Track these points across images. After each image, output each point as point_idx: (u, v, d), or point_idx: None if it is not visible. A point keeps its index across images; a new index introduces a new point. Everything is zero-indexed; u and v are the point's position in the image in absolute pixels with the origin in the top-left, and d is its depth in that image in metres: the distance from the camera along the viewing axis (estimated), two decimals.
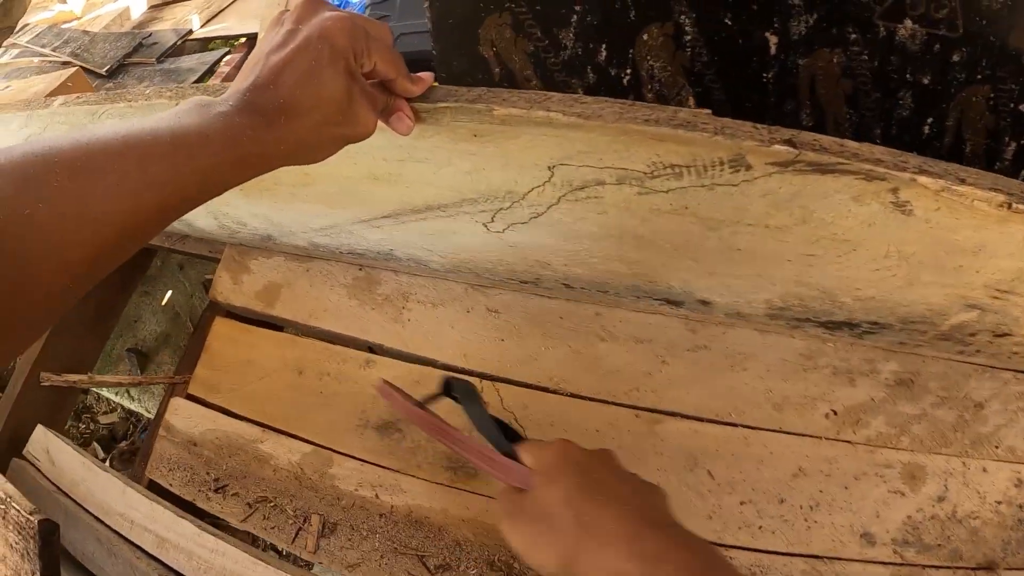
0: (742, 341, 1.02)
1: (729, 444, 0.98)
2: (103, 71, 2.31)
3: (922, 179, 0.61)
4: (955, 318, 0.81)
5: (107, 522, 1.14)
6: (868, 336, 0.92)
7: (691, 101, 0.98)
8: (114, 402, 2.76)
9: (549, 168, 0.74)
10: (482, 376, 1.10)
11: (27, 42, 2.59)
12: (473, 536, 1.00)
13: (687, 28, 0.91)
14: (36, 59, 2.53)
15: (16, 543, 0.98)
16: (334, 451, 1.12)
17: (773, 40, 0.90)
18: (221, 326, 1.33)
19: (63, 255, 0.45)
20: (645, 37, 0.93)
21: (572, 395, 1.06)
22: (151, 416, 2.52)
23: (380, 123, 0.69)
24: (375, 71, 0.65)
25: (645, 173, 0.70)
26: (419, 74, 0.70)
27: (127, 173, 0.47)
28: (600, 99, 0.66)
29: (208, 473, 1.17)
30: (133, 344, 2.50)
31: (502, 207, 0.85)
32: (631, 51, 0.95)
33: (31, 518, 0.95)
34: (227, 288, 1.35)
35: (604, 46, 0.96)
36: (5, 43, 2.60)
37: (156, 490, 1.18)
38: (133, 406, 2.58)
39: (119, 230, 0.48)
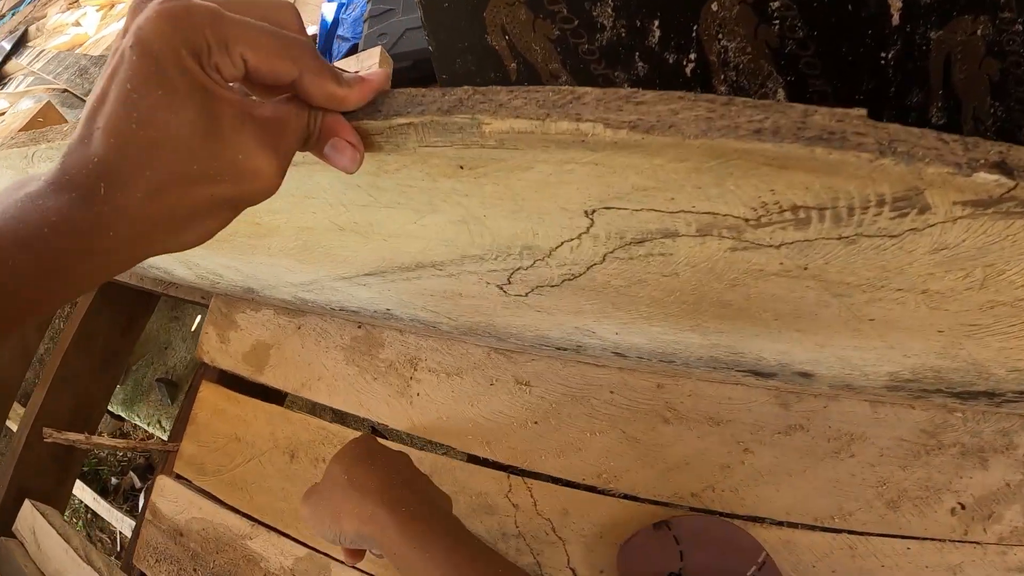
0: (849, 417, 0.76)
1: (831, 556, 0.74)
2: (85, 97, 2.13)
3: None
4: None
5: None
6: (1008, 404, 0.68)
7: (781, 94, 0.68)
8: (149, 431, 2.64)
9: (586, 214, 0.43)
10: (509, 469, 0.84)
11: (38, 69, 2.44)
12: None
13: None
14: (43, 87, 2.38)
15: None
16: (332, 558, 0.89)
17: (896, 5, 0.60)
18: (208, 393, 1.11)
19: None
20: (715, 7, 0.63)
21: (626, 496, 0.80)
22: None
23: (311, 157, 0.41)
24: (253, 72, 0.35)
25: (747, 220, 0.40)
26: (358, 73, 0.39)
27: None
28: (669, 95, 0.34)
29: (195, 571, 0.98)
30: (163, 373, 2.45)
31: (520, 267, 0.55)
32: (695, 27, 0.66)
33: None
34: (214, 347, 1.13)
35: (657, 23, 0.66)
36: (25, 70, 2.45)
37: None
38: (165, 436, 2.49)
39: None
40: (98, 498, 2.61)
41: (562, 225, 0.46)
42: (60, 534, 1.11)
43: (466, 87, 0.38)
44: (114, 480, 2.83)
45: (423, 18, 0.78)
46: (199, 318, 2.30)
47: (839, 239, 0.40)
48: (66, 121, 1.71)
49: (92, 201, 0.32)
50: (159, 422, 2.37)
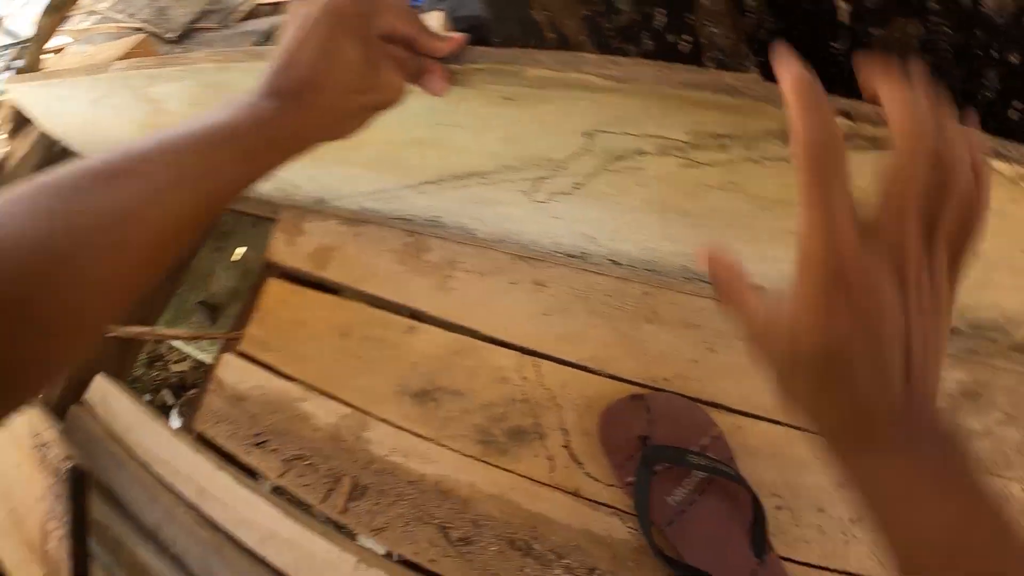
0: None
1: (772, 444, 0.93)
2: (173, 36, 2.33)
3: (997, 164, 0.55)
4: None
5: (154, 469, 1.16)
6: None
7: (755, 72, 0.91)
8: (185, 351, 2.83)
9: (586, 135, 0.70)
10: (523, 350, 1.07)
11: (106, 8, 2.61)
12: (498, 513, 0.98)
13: None
14: (113, 25, 2.56)
15: (52, 485, 1.00)
16: (371, 415, 1.11)
17: (844, 6, 0.82)
18: (274, 287, 1.33)
19: (110, 258, 0.45)
20: (705, 2, 0.87)
21: (612, 376, 1.02)
22: None
23: (415, 87, 0.67)
24: (394, 33, 0.62)
25: (687, 143, 0.66)
26: (449, 33, 0.68)
27: (156, 173, 0.48)
28: (638, 61, 0.62)
29: (251, 428, 1.18)
30: (205, 297, 2.55)
31: (543, 176, 0.81)
32: (690, 16, 0.89)
33: (62, 464, 0.98)
34: (282, 249, 1.35)
35: (661, 11, 0.90)
36: (87, 9, 2.64)
37: (202, 442, 1.19)
38: (203, 356, 2.64)
39: (159, 227, 0.48)
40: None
41: (571, 143, 0.73)
42: (129, 398, 1.28)
43: (515, 49, 0.66)
44: (148, 397, 2.98)
45: None
46: (242, 249, 2.50)
47: (751, 161, 0.65)
48: (159, 55, 1.91)
49: (300, 103, 0.56)
50: (198, 342, 2.55)
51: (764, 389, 0.85)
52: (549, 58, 0.64)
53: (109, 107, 1.17)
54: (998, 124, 0.83)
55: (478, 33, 1.51)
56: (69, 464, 0.96)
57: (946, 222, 0.43)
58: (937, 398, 0.44)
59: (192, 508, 1.10)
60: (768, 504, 0.87)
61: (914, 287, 0.42)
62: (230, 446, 1.17)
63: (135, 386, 3.14)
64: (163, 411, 2.94)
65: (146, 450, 1.19)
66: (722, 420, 0.95)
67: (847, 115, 0.57)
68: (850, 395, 0.44)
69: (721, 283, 0.53)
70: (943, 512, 0.41)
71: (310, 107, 0.57)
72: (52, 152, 2.12)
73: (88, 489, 0.99)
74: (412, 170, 0.96)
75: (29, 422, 1.06)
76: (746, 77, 0.60)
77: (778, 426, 0.94)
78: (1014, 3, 0.74)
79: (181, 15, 2.41)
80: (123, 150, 0.48)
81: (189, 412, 1.26)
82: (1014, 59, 0.79)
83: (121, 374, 1.50)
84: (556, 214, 0.90)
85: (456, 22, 1.39)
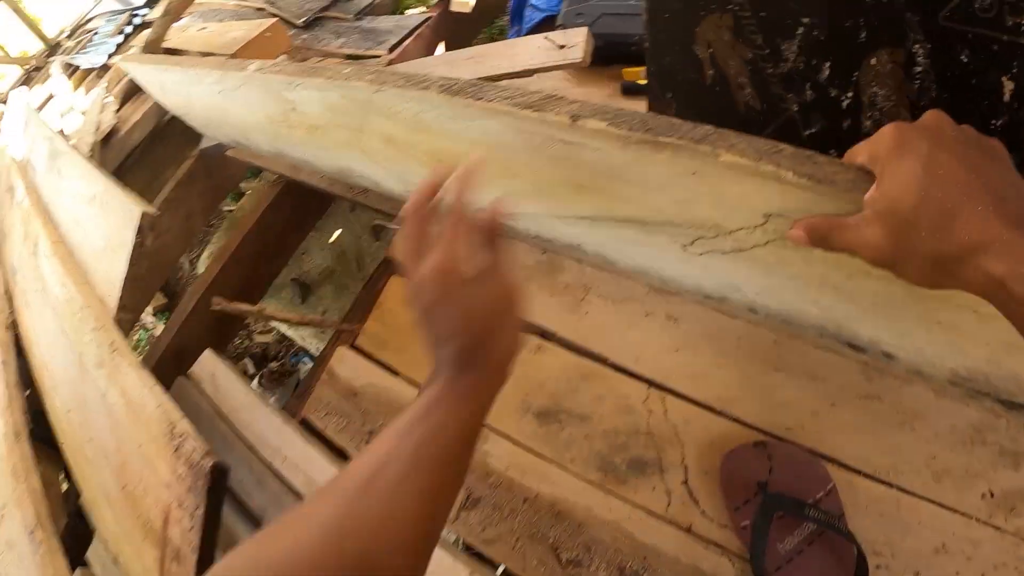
0: (917, 399, 1.00)
1: (880, 503, 0.97)
2: (299, 22, 2.37)
3: None
4: None
5: (261, 453, 1.21)
6: None
7: None
8: (271, 324, 2.92)
9: (765, 216, 0.74)
10: (650, 383, 1.12)
11: None
12: (610, 539, 1.02)
13: (919, 59, 0.86)
14: (231, 1, 2.60)
15: (184, 476, 1.05)
16: (492, 429, 1.16)
17: (1009, 86, 0.83)
18: (397, 285, 1.38)
19: (392, 548, 0.53)
20: (873, 61, 0.88)
21: (735, 419, 1.06)
22: (304, 345, 2.72)
23: None
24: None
25: None
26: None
27: (406, 477, 0.56)
28: (835, 162, 0.65)
29: (363, 425, 1.22)
30: (298, 275, 2.65)
31: (704, 236, 0.85)
32: (856, 74, 0.90)
33: (204, 461, 1.02)
34: None
35: (828, 64, 0.92)
36: None
37: (308, 430, 1.24)
38: (289, 332, 2.75)
39: (422, 514, 0.56)
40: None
41: (745, 219, 0.76)
42: (239, 380, 1.35)
43: (709, 127, 0.70)
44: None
45: (647, 21, 1.05)
46: (338, 231, 2.52)
47: None
48: (288, 40, 1.96)
49: (475, 364, 0.63)
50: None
51: (876, 449, 0.95)
52: (745, 144, 0.68)
53: (239, 98, 1.22)
54: None
55: (617, 51, 1.56)
56: (210, 461, 1.01)
57: None
58: None
59: (300, 497, 1.16)
60: (869, 562, 0.91)
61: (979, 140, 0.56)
62: (340, 439, 1.23)
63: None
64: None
65: (255, 432, 1.25)
66: (836, 475, 0.98)
67: None
68: (973, 215, 0.51)
69: (823, 235, 0.64)
70: None
71: (493, 370, 0.65)
72: (162, 122, 2.19)
73: (225, 487, 1.04)
74: (566, 205, 1.00)
75: (163, 410, 1.11)
76: None
77: (888, 487, 0.97)
78: None
79: (311, 0, 2.43)
80: (373, 463, 0.56)
81: (270, 385, 1.29)
82: None
83: (224, 348, 1.62)
84: (706, 266, 0.93)
85: (597, 38, 1.43)
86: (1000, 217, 0.50)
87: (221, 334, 1.83)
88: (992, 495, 0.93)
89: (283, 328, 2.73)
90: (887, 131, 0.58)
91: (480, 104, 0.83)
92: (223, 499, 1.06)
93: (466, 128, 0.90)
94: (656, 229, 0.90)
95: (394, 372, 1.28)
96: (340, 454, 1.21)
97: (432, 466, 0.57)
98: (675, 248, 0.92)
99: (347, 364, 1.32)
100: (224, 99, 1.27)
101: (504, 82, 1.41)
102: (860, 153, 0.61)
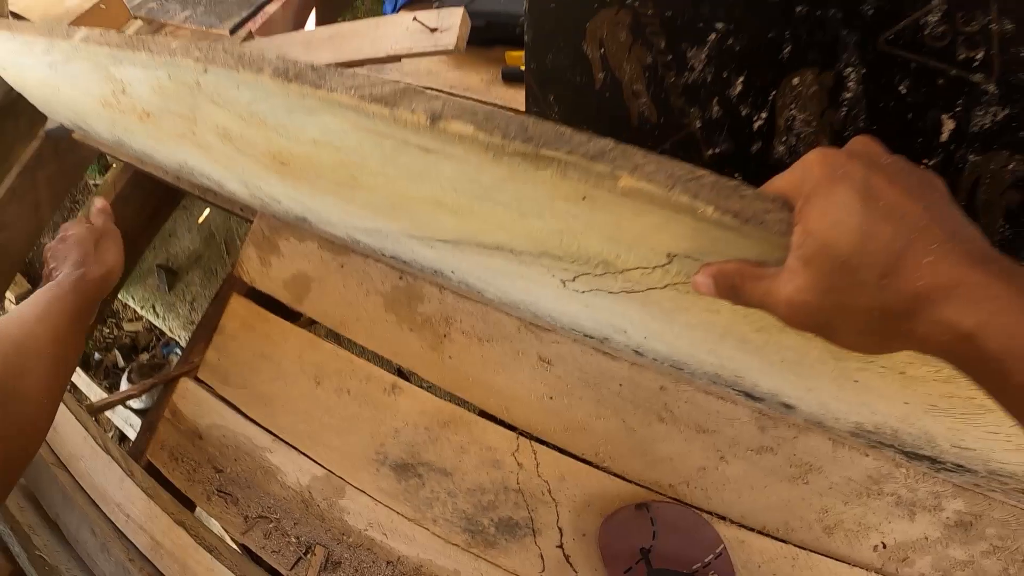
0: (812, 450, 0.90)
1: (775, 562, 0.88)
2: None
3: None
4: None
5: (103, 509, 1.06)
6: (946, 472, 0.83)
7: None
8: (141, 312, 2.72)
9: (668, 256, 0.56)
10: (522, 433, 0.97)
11: None
12: None
13: (850, 84, 0.73)
14: None
15: None
16: (346, 482, 1.02)
17: (949, 125, 0.72)
18: (238, 305, 1.20)
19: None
20: (795, 81, 0.74)
21: (615, 475, 0.94)
22: (174, 336, 2.59)
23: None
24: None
25: None
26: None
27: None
28: (766, 197, 0.47)
29: (211, 472, 1.08)
30: (165, 260, 2.50)
31: (590, 272, 0.68)
32: (773, 93, 0.77)
33: None
34: (254, 268, 1.21)
35: (741, 79, 0.78)
36: None
37: (154, 474, 1.09)
38: (157, 321, 2.59)
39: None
40: (80, 372, 2.66)
41: (645, 258, 0.59)
42: (80, 421, 1.16)
43: (608, 140, 0.51)
44: (97, 355, 2.89)
45: (527, 9, 0.89)
46: (207, 211, 2.35)
47: None
48: (126, 12, 1.73)
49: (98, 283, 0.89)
50: (153, 307, 2.45)
51: (768, 504, 0.90)
52: (654, 167, 0.49)
53: (68, 75, 1.03)
54: None
55: (497, 32, 1.36)
56: None
57: None
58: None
59: (148, 562, 1.00)
60: None
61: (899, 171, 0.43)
62: (189, 490, 1.08)
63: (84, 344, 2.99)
64: (113, 372, 2.81)
65: (95, 486, 1.08)
66: (726, 533, 0.89)
67: None
68: (915, 262, 0.40)
69: (733, 286, 0.51)
70: None
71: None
72: (9, 98, 1.93)
73: None
74: (426, 226, 0.82)
75: None
76: None
77: (782, 544, 0.89)
78: None
79: None
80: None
81: (140, 378, 1.18)
82: None
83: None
84: (589, 304, 0.78)
85: (474, 17, 1.22)
86: (962, 255, 0.39)
87: None
88: (884, 546, 0.87)
89: (150, 316, 2.54)
90: (813, 157, 0.46)
91: (320, 94, 0.62)
92: None
93: (303, 125, 0.71)
94: (531, 260, 0.73)
95: (239, 412, 1.11)
96: (190, 505, 1.08)
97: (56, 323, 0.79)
98: (552, 283, 0.76)
99: (190, 399, 1.15)
100: (56, 74, 1.07)
101: (365, 68, 1.24)
102: (779, 184, 0.47)
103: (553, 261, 0.69)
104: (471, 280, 0.94)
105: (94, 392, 2.56)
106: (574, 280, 0.71)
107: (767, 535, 0.89)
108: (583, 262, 0.66)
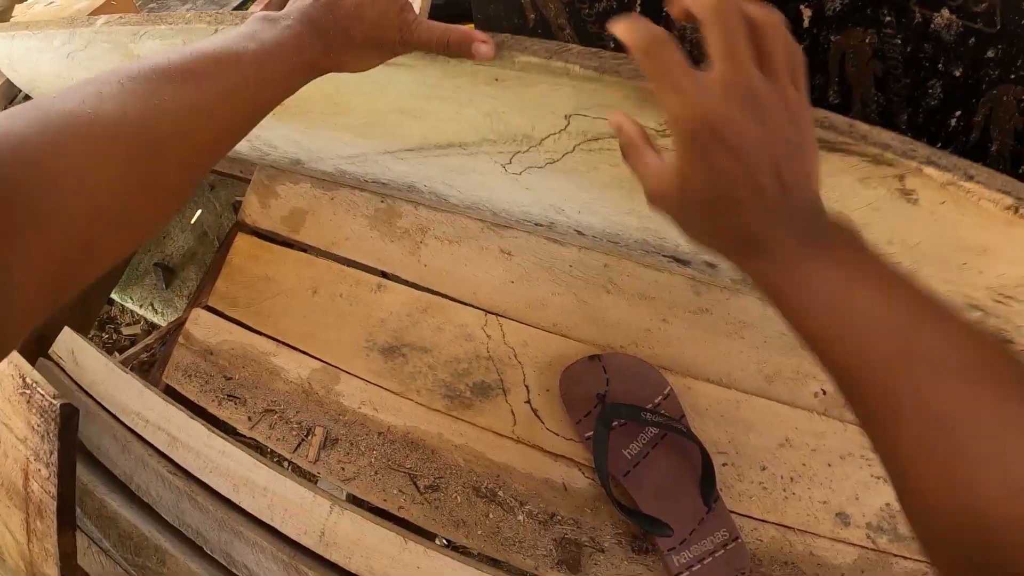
0: (744, 310, 1.03)
1: (720, 404, 1.00)
2: None
3: (929, 170, 0.62)
4: None
5: (123, 420, 1.17)
6: None
7: None
8: (138, 314, 2.78)
9: (565, 117, 0.76)
10: (488, 312, 1.13)
11: None
12: (463, 462, 1.04)
13: None
14: None
15: (38, 425, 1.02)
16: (341, 369, 1.15)
17: (807, 13, 0.88)
18: (243, 242, 1.34)
19: (184, 142, 0.52)
20: None
21: (573, 339, 1.08)
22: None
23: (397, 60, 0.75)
24: None
25: (656, 131, 0.71)
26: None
27: (227, 75, 0.56)
28: (620, 55, 0.68)
29: (221, 381, 1.20)
30: (160, 259, 2.55)
31: (519, 150, 0.86)
32: (664, 11, 0.94)
33: (53, 402, 0.99)
34: (255, 211, 1.36)
35: (639, 2, 0.95)
36: None
37: (171, 395, 1.21)
38: (156, 319, 2.62)
39: (224, 123, 0.56)
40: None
41: (550, 123, 0.78)
42: (97, 350, 1.29)
43: (507, 34, 0.72)
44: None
45: None
46: (199, 212, 2.43)
47: None
48: (135, 8, 1.88)
49: (338, 40, 0.66)
50: (152, 304, 2.53)
51: (709, 358, 0.97)
52: (537, 46, 0.70)
53: (85, 61, 1.17)
54: (939, 130, 0.91)
55: (457, 8, 1.55)
56: (58, 403, 0.97)
57: (770, 52, 0.50)
58: (820, 197, 0.51)
59: (164, 457, 1.13)
60: (715, 461, 0.94)
61: (768, 110, 0.48)
62: (201, 399, 1.20)
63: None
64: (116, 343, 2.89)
65: (116, 402, 1.20)
66: (673, 380, 1.01)
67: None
68: (739, 218, 0.50)
69: (626, 144, 0.59)
70: (879, 299, 0.45)
71: (345, 46, 0.66)
72: (13, 103, 2.07)
73: (76, 427, 1.01)
74: (395, 137, 1.00)
75: (14, 364, 1.07)
76: None
77: (725, 389, 1.01)
78: (961, 24, 0.81)
79: None
80: (194, 50, 0.55)
81: (139, 373, 1.25)
82: (957, 73, 0.85)
83: (84, 328, 1.49)
84: (528, 185, 0.94)
85: None
86: (766, 212, 0.49)
87: (85, 315, 1.71)
88: (824, 393, 0.98)
89: (149, 315, 2.61)
90: (683, 116, 0.50)
91: None
92: (75, 442, 1.04)
93: None
94: (475, 150, 0.91)
95: (247, 327, 1.25)
96: (204, 414, 1.18)
97: (247, 95, 0.59)
98: (497, 171, 0.94)
99: (201, 324, 1.28)
100: (73, 63, 1.20)
101: None
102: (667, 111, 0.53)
103: (491, 146, 0.88)
104: (438, 187, 1.11)
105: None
106: (511, 162, 0.90)
107: (711, 382, 1.01)
108: (511, 140, 0.85)
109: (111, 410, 1.19)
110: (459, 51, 0.72)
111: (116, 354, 2.76)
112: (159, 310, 2.57)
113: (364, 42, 0.67)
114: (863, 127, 0.63)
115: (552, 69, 0.69)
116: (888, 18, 0.84)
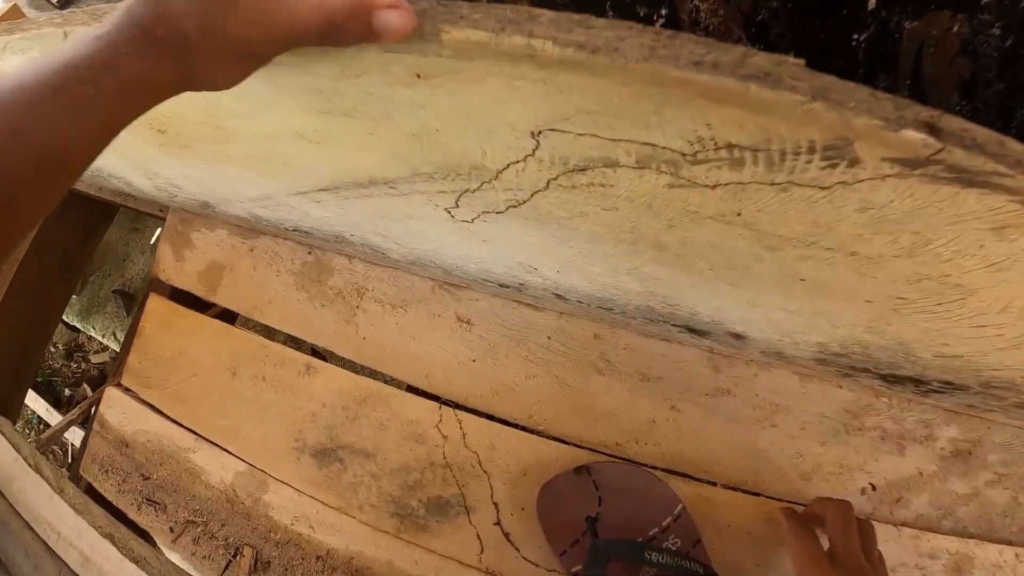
0: (777, 388, 0.79)
1: (745, 519, 0.78)
2: (55, 1, 2.06)
3: None
4: None
5: (36, 530, 1.01)
6: (934, 395, 0.71)
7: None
8: (104, 342, 2.60)
9: (532, 135, 0.45)
10: (445, 403, 0.86)
11: None
12: None
13: None
14: None
15: None
16: (268, 475, 0.93)
17: None
18: (156, 305, 1.11)
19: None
20: None
21: (553, 438, 0.83)
22: None
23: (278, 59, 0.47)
24: None
25: (684, 155, 0.42)
26: None
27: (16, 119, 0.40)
28: (618, 23, 0.36)
29: (139, 481, 1.01)
30: (121, 284, 2.40)
31: (468, 188, 0.57)
32: None
33: None
34: (170, 266, 1.12)
35: None
36: None
37: (91, 493, 1.03)
38: (119, 347, 2.42)
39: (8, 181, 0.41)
40: (51, 409, 2.57)
41: (509, 145, 0.48)
42: (10, 443, 1.10)
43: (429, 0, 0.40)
44: (68, 392, 2.80)
45: None
46: (159, 231, 2.30)
47: (772, 185, 0.42)
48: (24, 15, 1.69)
49: (160, 39, 0.41)
50: (114, 334, 2.37)
51: (732, 454, 0.81)
52: (481, 14, 0.38)
53: None
54: None
55: None
56: None
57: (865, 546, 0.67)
58: None
59: None
60: None
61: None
62: (120, 501, 1.02)
63: (54, 380, 2.92)
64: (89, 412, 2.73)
65: (28, 507, 1.03)
66: (686, 491, 0.78)
67: (931, 128, 0.34)
68: None
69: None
70: None
71: (187, 53, 0.43)
72: None
73: None
74: (299, 173, 0.72)
75: None
76: (787, 61, 0.36)
77: (752, 497, 0.79)
78: None
79: None
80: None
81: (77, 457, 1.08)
82: None
83: (12, 399, 1.41)
84: (485, 237, 0.67)
85: None
86: None
87: (20, 375, 1.54)
88: (874, 488, 0.77)
89: (113, 344, 2.44)
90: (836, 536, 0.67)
91: None
92: None
93: None
94: (407, 188, 0.62)
95: (162, 413, 1.03)
96: (123, 518, 0.99)
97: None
98: (442, 218, 0.65)
99: (116, 408, 1.07)
100: None
101: None
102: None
103: (427, 183, 0.58)
104: (371, 238, 0.83)
105: (68, 430, 2.47)
106: (457, 206, 0.60)
107: (735, 489, 0.78)
108: (454, 173, 0.55)
109: (24, 516, 1.02)
110: (355, 32, 0.42)
111: (86, 387, 2.60)
112: (121, 339, 2.37)
113: (215, 46, 0.43)
114: (1016, 147, 0.36)
115: (507, 51, 0.38)
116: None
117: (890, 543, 0.75)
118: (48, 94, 0.40)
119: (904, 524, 0.75)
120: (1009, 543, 0.73)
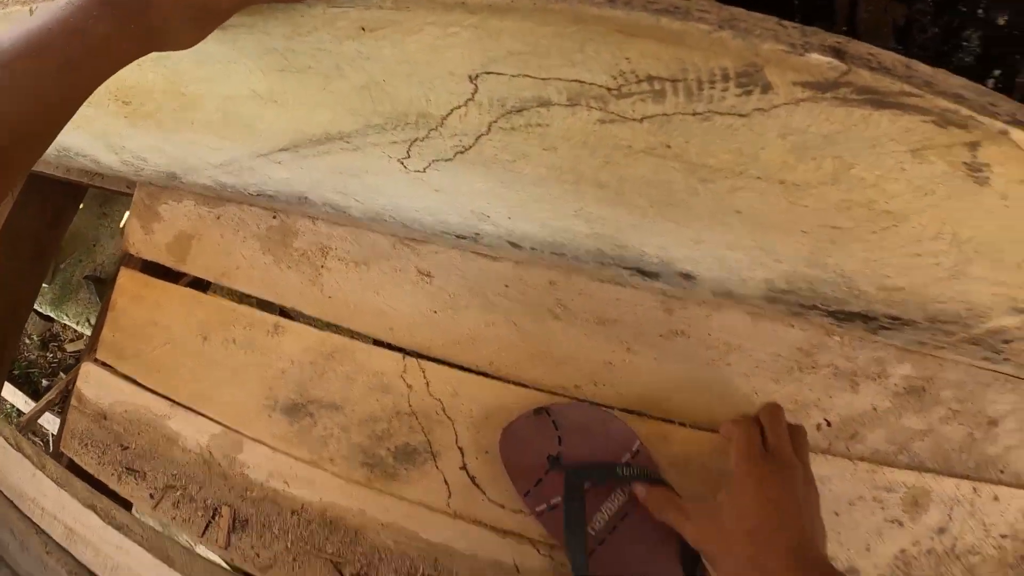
0: (729, 328, 0.81)
1: (704, 452, 0.79)
2: None
3: (1017, 134, 0.39)
4: (995, 322, 0.63)
5: (20, 507, 1.04)
6: (884, 332, 0.73)
7: None
8: (78, 330, 2.61)
9: (470, 79, 0.49)
10: (408, 353, 0.89)
11: None
12: (393, 544, 0.83)
13: None
14: None
15: None
16: (242, 434, 0.95)
17: None
18: (127, 280, 1.12)
19: None
20: None
21: (514, 383, 0.85)
22: None
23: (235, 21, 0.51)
24: None
25: (609, 89, 0.46)
26: None
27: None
28: None
29: (118, 452, 1.02)
30: (92, 270, 2.39)
31: (417, 137, 0.60)
32: None
33: None
34: (139, 239, 1.13)
35: None
36: None
37: (73, 468, 1.05)
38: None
39: None
40: (29, 401, 2.56)
41: (450, 91, 0.51)
42: None
43: None
44: (45, 382, 2.78)
45: None
46: (127, 214, 2.28)
47: (694, 115, 0.45)
48: None
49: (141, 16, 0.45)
50: (88, 320, 2.36)
51: (688, 393, 0.82)
52: None
53: None
54: None
55: None
56: None
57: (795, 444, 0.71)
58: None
59: (64, 551, 0.97)
60: None
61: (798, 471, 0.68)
62: (101, 473, 1.03)
63: (31, 371, 2.89)
64: (64, 395, 2.72)
65: (11, 485, 1.06)
66: (644, 429, 0.79)
67: (836, 52, 0.39)
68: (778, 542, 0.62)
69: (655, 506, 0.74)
70: None
71: (146, 14, 0.45)
72: None
73: None
74: (260, 134, 0.74)
75: None
76: None
77: (710, 434, 0.79)
78: None
79: None
80: None
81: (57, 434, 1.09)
82: (1001, 22, 0.65)
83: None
84: (438, 186, 0.70)
85: None
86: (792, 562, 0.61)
87: None
88: (828, 424, 0.79)
89: (85, 331, 2.46)
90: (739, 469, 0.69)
91: None
92: None
93: None
94: (361, 141, 0.65)
95: (137, 383, 1.05)
96: (104, 489, 1.01)
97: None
98: (396, 169, 0.68)
99: (92, 382, 1.08)
100: None
101: None
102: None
103: (378, 134, 0.61)
104: (331, 197, 0.86)
105: (47, 420, 2.45)
106: (409, 155, 0.63)
107: (692, 427, 0.81)
108: (402, 122, 0.58)
109: (8, 495, 1.05)
110: None
111: (63, 375, 2.59)
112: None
113: (176, 3, 0.46)
114: (925, 69, 0.40)
115: (441, 0, 0.41)
116: None
117: (847, 477, 0.77)
118: (26, 57, 0.43)
119: (860, 459, 0.77)
120: (966, 477, 0.75)
